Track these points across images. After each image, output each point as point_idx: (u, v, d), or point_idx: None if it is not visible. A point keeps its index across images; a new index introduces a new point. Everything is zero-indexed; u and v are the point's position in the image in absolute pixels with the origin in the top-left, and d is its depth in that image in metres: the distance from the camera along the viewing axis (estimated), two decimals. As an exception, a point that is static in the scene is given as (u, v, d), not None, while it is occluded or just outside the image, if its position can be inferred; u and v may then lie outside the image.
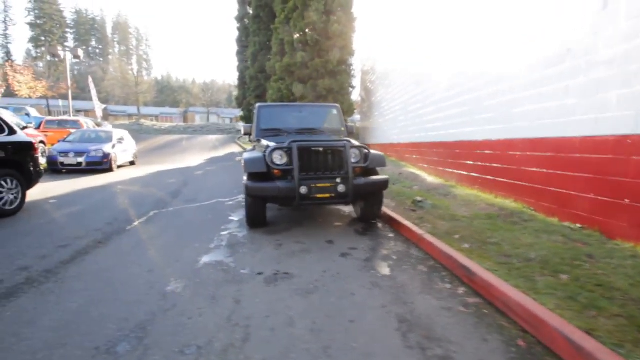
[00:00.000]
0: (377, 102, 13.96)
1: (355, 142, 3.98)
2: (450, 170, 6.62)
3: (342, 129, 5.29)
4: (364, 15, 14.94)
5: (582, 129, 3.41)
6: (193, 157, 14.87)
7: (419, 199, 5.11)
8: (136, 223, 4.43)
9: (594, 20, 3.25)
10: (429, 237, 3.27)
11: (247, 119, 20.44)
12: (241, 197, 6.17)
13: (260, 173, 3.82)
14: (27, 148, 5.05)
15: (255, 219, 4.04)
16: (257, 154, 4.03)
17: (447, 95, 6.68)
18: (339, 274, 2.74)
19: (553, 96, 3.83)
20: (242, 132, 5.23)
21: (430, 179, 7.13)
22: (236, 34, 19.93)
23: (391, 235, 3.84)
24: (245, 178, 3.99)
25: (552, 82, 3.83)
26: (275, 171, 3.81)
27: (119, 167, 10.58)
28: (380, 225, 4.29)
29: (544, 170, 3.97)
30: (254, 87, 16.92)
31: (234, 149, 19.66)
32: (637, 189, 2.82)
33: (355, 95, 17.53)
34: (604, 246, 2.95)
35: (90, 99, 26.18)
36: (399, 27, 9.86)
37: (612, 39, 3.05)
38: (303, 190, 3.61)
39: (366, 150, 3.94)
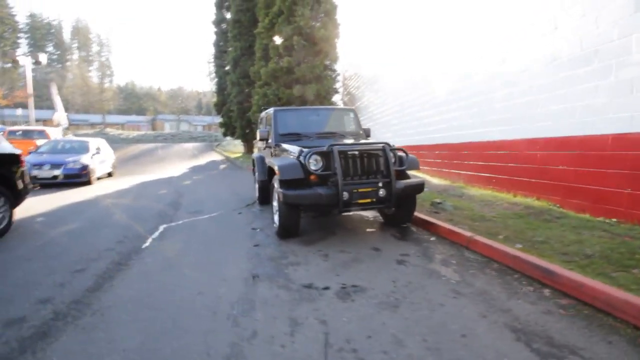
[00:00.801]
0: (363, 106, 14.04)
1: (392, 145, 3.86)
2: (457, 171, 6.70)
3: (360, 132, 5.18)
4: (345, 22, 15.07)
5: (614, 127, 3.51)
6: (174, 167, 14.14)
7: (437, 200, 5.08)
8: (150, 240, 4.02)
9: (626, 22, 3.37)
10: (483, 239, 3.20)
11: (227, 125, 19.84)
12: (250, 207, 5.86)
13: (295, 180, 3.59)
14: (14, 160, 4.45)
15: (290, 229, 3.79)
16: (289, 159, 3.79)
17: (451, 98, 6.78)
18: (411, 283, 2.58)
19: (577, 96, 3.94)
20: (258, 137, 4.95)
21: (434, 180, 7.17)
22: (213, 38, 19.35)
23: (432, 238, 3.74)
24: (276, 185, 3.74)
25: (577, 83, 3.94)
26: (312, 177, 3.60)
27: (98, 179, 9.79)
28: (414, 229, 4.19)
29: (572, 168, 4.06)
30: (236, 93, 16.44)
31: (214, 157, 19.00)
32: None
33: (337, 100, 17.58)
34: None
35: (49, 107, 24.24)
36: (393, 33, 9.97)
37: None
38: (345, 196, 3.42)
39: (403, 153, 3.83)
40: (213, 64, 19.95)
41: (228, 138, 24.45)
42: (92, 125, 39.36)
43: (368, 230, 4.21)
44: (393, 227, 4.29)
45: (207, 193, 7.72)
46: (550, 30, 4.33)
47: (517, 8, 4.94)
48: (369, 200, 3.56)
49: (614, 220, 3.55)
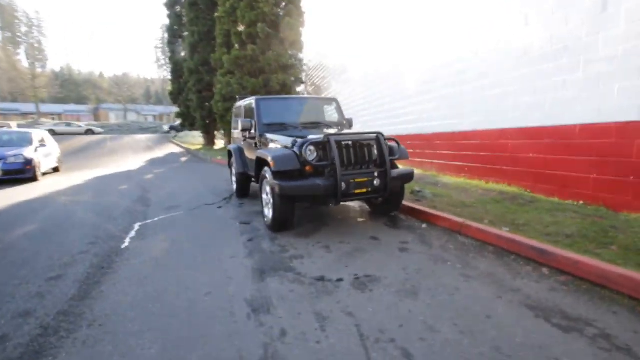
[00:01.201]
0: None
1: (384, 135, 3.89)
2: (429, 160, 6.98)
3: (344, 122, 5.16)
4: (310, 11, 14.85)
5: (581, 118, 3.86)
6: (128, 160, 13.09)
7: (417, 189, 5.26)
8: (128, 240, 3.68)
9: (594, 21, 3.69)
10: (475, 224, 3.37)
11: (185, 115, 18.76)
12: (228, 200, 5.62)
13: (290, 171, 3.49)
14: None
15: (285, 222, 3.68)
16: (282, 150, 3.66)
17: (422, 90, 7.00)
18: (421, 270, 2.64)
19: (547, 89, 4.27)
20: (240, 127, 4.71)
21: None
22: (165, 21, 17.95)
23: (424, 226, 3.86)
24: (269, 177, 3.61)
25: (547, 76, 4.26)
26: (307, 168, 3.52)
27: (43, 174, 8.75)
28: (402, 217, 4.30)
29: (542, 156, 4.41)
30: (195, 81, 15.51)
31: (173, 149, 17.91)
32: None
33: (302, 91, 17.37)
34: (618, 218, 3.41)
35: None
36: (362, 23, 10.00)
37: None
38: (343, 186, 3.40)
39: (394, 143, 3.89)
40: (167, 49, 18.53)
41: (171, 128, 23.21)
42: (24, 115, 34.84)
43: (359, 220, 4.24)
44: (382, 216, 4.36)
45: (175, 187, 7.25)
46: (522, 25, 4.61)
47: (489, 2, 5.19)
48: (364, 190, 3.57)
49: (581, 202, 3.93)
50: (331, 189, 3.38)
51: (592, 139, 3.78)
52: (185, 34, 16.93)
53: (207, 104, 16.28)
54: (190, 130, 20.98)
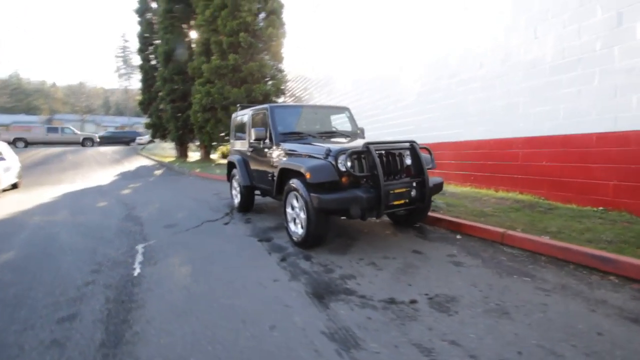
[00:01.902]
0: (313, 108, 13.92)
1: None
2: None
3: (358, 131, 5.00)
4: (290, 23, 14.80)
5: (598, 127, 4.00)
6: (96, 174, 12.00)
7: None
8: (137, 265, 3.20)
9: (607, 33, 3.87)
10: (518, 234, 3.30)
11: (156, 127, 17.73)
12: (230, 215, 5.19)
13: (326, 183, 3.22)
14: None
15: (320, 237, 3.39)
16: (317, 160, 3.38)
17: (421, 100, 7.06)
18: (493, 286, 2.48)
19: (559, 100, 4.41)
20: (253, 137, 4.37)
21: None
22: (127, 29, 17.10)
23: (459, 236, 3.74)
24: (302, 190, 3.31)
25: (559, 87, 4.41)
26: (344, 179, 3.28)
27: (3, 191, 7.70)
28: (429, 227, 4.16)
29: (557, 164, 4.52)
30: (169, 90, 14.71)
31: (143, 161, 16.76)
32: (665, 173, 3.44)
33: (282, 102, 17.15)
34: (647, 223, 3.50)
35: None
36: (351, 35, 10.03)
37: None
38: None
39: (428, 152, 3.77)
40: (139, 57, 17.52)
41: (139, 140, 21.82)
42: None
43: (387, 232, 4.04)
44: (406, 227, 4.19)
45: (164, 203, 6.64)
46: (531, 38, 4.77)
47: (495, 15, 5.35)
48: (402, 202, 3.39)
49: (601, 208, 4.03)
50: (373, 201, 3.16)
51: (610, 147, 3.91)
52: (157, 42, 16.14)
53: (180, 114, 15.51)
54: (160, 141, 19.86)
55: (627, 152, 3.76)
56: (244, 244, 3.80)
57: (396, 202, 3.34)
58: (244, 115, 5.43)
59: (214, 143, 14.75)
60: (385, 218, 4.55)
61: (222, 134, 13.21)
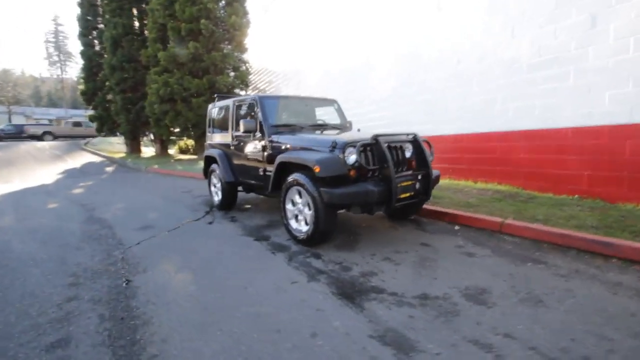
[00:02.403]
0: (280, 102, 13.56)
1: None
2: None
3: (347, 124, 4.89)
4: (253, 13, 14.22)
5: (572, 122, 4.31)
6: (36, 172, 10.56)
7: (414, 192, 5.28)
8: (123, 274, 2.79)
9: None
10: (516, 222, 3.44)
11: (101, 118, 16.09)
12: (211, 214, 4.83)
13: (335, 177, 3.07)
14: None
15: (329, 233, 3.23)
16: (323, 153, 3.20)
17: (395, 94, 7.14)
18: (514, 275, 2.52)
19: (536, 96, 4.69)
20: (242, 129, 4.05)
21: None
22: (59, 12, 15.19)
23: (457, 227, 3.81)
24: (308, 184, 3.12)
25: (536, 84, 4.68)
26: (351, 172, 3.15)
27: None
28: (424, 219, 4.20)
29: (534, 156, 4.81)
30: (119, 80, 13.33)
31: (89, 157, 15.12)
32: (633, 163, 3.80)
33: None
34: (619, 208, 3.84)
35: None
36: (321, 26, 9.85)
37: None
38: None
39: (428, 144, 3.77)
40: (80, 42, 15.58)
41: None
42: None
43: (386, 226, 3.99)
44: (401, 220, 4.19)
45: (129, 203, 6.00)
46: (508, 37, 5.01)
47: (472, 13, 5.53)
48: (408, 195, 3.36)
49: (577, 196, 4.37)
50: (384, 195, 3.08)
51: (585, 140, 4.24)
52: (102, 25, 14.57)
53: (132, 105, 14.21)
54: (107, 135, 18.10)
55: (600, 144, 4.09)
56: (241, 244, 3.51)
57: (403, 196, 3.29)
58: (224, 107, 5.04)
59: (173, 137, 13.77)
60: (379, 212, 4.52)
61: (183, 127, 12.33)
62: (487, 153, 5.47)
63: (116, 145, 18.86)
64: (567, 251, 2.95)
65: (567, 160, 4.45)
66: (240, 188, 4.91)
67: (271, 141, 3.94)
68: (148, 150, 16.96)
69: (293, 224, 3.47)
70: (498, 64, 5.18)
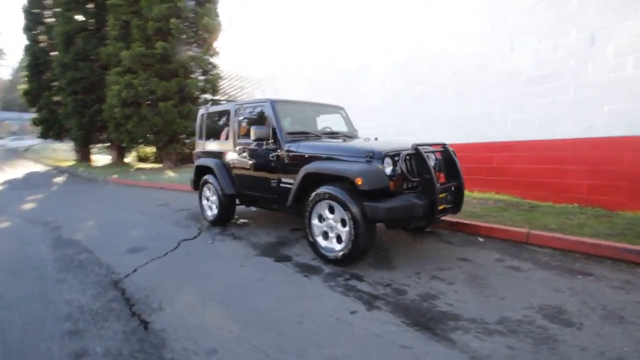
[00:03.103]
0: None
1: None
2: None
3: (355, 132, 4.68)
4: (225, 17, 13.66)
5: (573, 133, 4.52)
6: (-35, 184, 8.97)
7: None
8: (135, 313, 2.28)
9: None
10: (543, 233, 3.44)
11: (47, 122, 14.33)
12: (207, 232, 4.33)
13: (377, 190, 2.82)
14: None
15: (367, 249, 2.95)
16: (361, 164, 2.92)
17: (390, 103, 7.12)
18: (575, 288, 2.43)
19: (537, 108, 4.87)
20: (254, 137, 3.64)
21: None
22: (20, 1, 13.37)
23: (481, 239, 3.73)
24: (342, 197, 2.83)
25: (535, 97, 4.86)
26: (391, 184, 2.93)
27: None
28: (442, 231, 4.08)
29: (533, 166, 4.96)
30: (71, 80, 11.92)
31: (32, 166, 13.32)
32: (632, 174, 4.03)
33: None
34: (621, 215, 4.03)
35: None
36: (308, 32, 9.63)
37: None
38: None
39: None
40: (26, 36, 13.76)
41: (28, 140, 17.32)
42: None
43: (408, 240, 3.80)
44: (416, 232, 4.04)
45: (97, 219, 5.22)
46: (507, 50, 5.18)
47: (471, 25, 5.66)
48: (443, 207, 3.20)
49: (576, 205, 4.55)
50: (427, 209, 2.89)
51: (584, 151, 4.44)
52: (51, 20, 13.06)
53: (85, 108, 12.82)
54: (53, 141, 16.16)
55: (599, 155, 4.31)
56: (262, 267, 3.09)
57: (440, 208, 3.13)
58: (222, 112, 4.59)
59: (135, 144, 12.62)
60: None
61: (149, 135, 11.32)
62: (484, 163, 5.58)
63: (62, 153, 16.94)
64: (601, 261, 2.97)
65: (566, 170, 4.64)
66: (237, 201, 4.48)
67: (289, 150, 3.58)
68: (100, 158, 15.41)
69: (321, 241, 3.14)
70: (497, 76, 5.33)
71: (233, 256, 3.41)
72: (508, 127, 5.25)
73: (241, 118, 4.22)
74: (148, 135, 11.38)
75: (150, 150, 15.53)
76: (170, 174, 11.01)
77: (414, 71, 6.57)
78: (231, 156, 4.35)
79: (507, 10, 5.15)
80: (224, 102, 4.88)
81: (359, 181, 2.74)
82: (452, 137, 6.00)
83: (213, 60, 12.85)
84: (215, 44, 12.93)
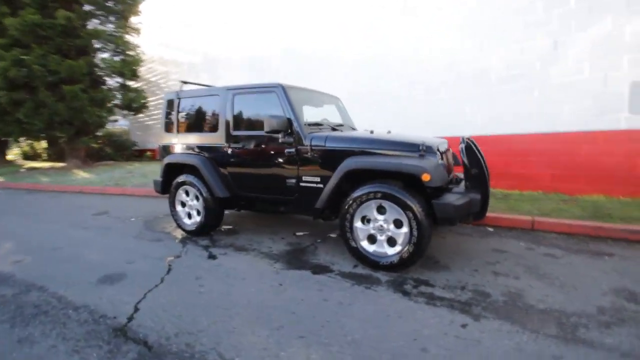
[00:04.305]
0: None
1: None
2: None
3: (353, 124, 4.40)
4: None
5: (537, 128, 5.07)
6: None
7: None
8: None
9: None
10: (547, 219, 3.74)
11: None
12: (195, 244, 3.58)
13: (441, 187, 2.62)
14: None
15: (425, 251, 2.71)
16: (412, 159, 2.65)
17: (355, 99, 6.99)
18: (624, 272, 2.63)
19: (505, 106, 5.32)
20: (267, 128, 3.04)
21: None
22: None
23: (491, 229, 3.88)
24: (393, 193, 2.55)
25: (504, 96, 5.31)
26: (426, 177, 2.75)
27: None
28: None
29: (502, 158, 5.43)
30: None
31: None
32: (588, 163, 4.72)
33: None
34: (582, 199, 4.67)
35: None
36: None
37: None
38: (481, 199, 2.90)
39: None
40: None
41: None
42: None
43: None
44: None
45: (17, 240, 3.85)
46: (477, 51, 5.52)
47: (441, 24, 5.86)
48: (476, 201, 3.19)
49: (541, 192, 5.13)
50: (482, 204, 2.81)
51: (547, 144, 5.02)
52: None
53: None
54: None
55: (560, 148, 4.92)
56: (307, 283, 2.59)
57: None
58: (206, 97, 3.77)
59: (32, 137, 9.93)
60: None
61: (45, 126, 8.99)
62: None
63: None
64: (604, 240, 3.34)
65: (531, 162, 5.19)
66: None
67: (315, 145, 3.08)
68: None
69: (367, 246, 2.80)
70: (467, 76, 5.65)
71: (257, 273, 2.80)
72: (478, 123, 5.64)
73: (238, 105, 3.52)
74: (47, 126, 9.04)
75: (42, 145, 12.51)
76: (83, 174, 8.99)
77: (383, 68, 6.57)
78: (224, 151, 3.61)
79: (477, 14, 5.48)
80: (205, 86, 4.06)
81: (426, 177, 2.49)
82: (424, 132, 6.19)
83: (131, 38, 10.89)
84: (136, 20, 10.98)
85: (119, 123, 14.91)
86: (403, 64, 6.33)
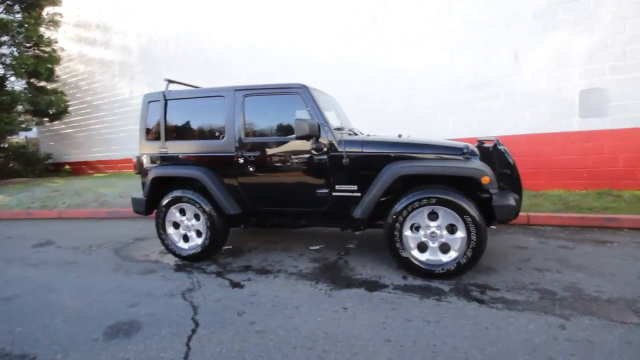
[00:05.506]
0: (114, 96, 10.06)
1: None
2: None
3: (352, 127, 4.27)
4: None
5: (503, 132, 5.59)
6: None
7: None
8: None
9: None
10: (540, 213, 4.08)
11: None
12: (193, 272, 3.09)
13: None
14: None
15: (482, 256, 2.67)
16: (458, 162, 2.61)
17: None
18: (625, 254, 2.96)
19: (474, 112, 5.77)
20: (298, 133, 2.71)
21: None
22: None
23: (493, 227, 4.08)
24: (450, 198, 2.50)
25: (473, 102, 5.75)
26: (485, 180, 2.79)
27: None
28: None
29: (474, 160, 5.85)
30: None
31: None
32: (550, 161, 5.35)
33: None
34: (547, 193, 5.27)
35: None
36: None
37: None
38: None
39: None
40: None
41: None
42: None
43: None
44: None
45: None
46: (447, 60, 5.89)
47: (413, 34, 6.11)
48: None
49: (510, 189, 5.65)
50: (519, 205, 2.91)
51: (512, 146, 5.51)
52: None
53: None
54: None
55: (524, 148, 5.49)
56: (372, 305, 2.34)
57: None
58: (206, 99, 3.24)
59: None
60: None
61: None
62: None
63: None
64: (591, 230, 3.78)
65: (501, 162, 5.69)
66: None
67: (351, 150, 2.84)
68: None
69: (418, 255, 2.67)
70: (439, 82, 5.98)
71: (308, 299, 2.45)
72: (449, 127, 6.00)
73: (250, 109, 3.09)
74: None
75: None
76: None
77: (355, 72, 6.60)
78: (233, 161, 3.12)
79: (445, 27, 5.86)
80: (191, 86, 3.49)
81: (486, 180, 2.47)
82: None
83: (48, 32, 9.13)
84: (53, 12, 9.22)
85: (22, 133, 12.44)
86: (377, 71, 6.44)
